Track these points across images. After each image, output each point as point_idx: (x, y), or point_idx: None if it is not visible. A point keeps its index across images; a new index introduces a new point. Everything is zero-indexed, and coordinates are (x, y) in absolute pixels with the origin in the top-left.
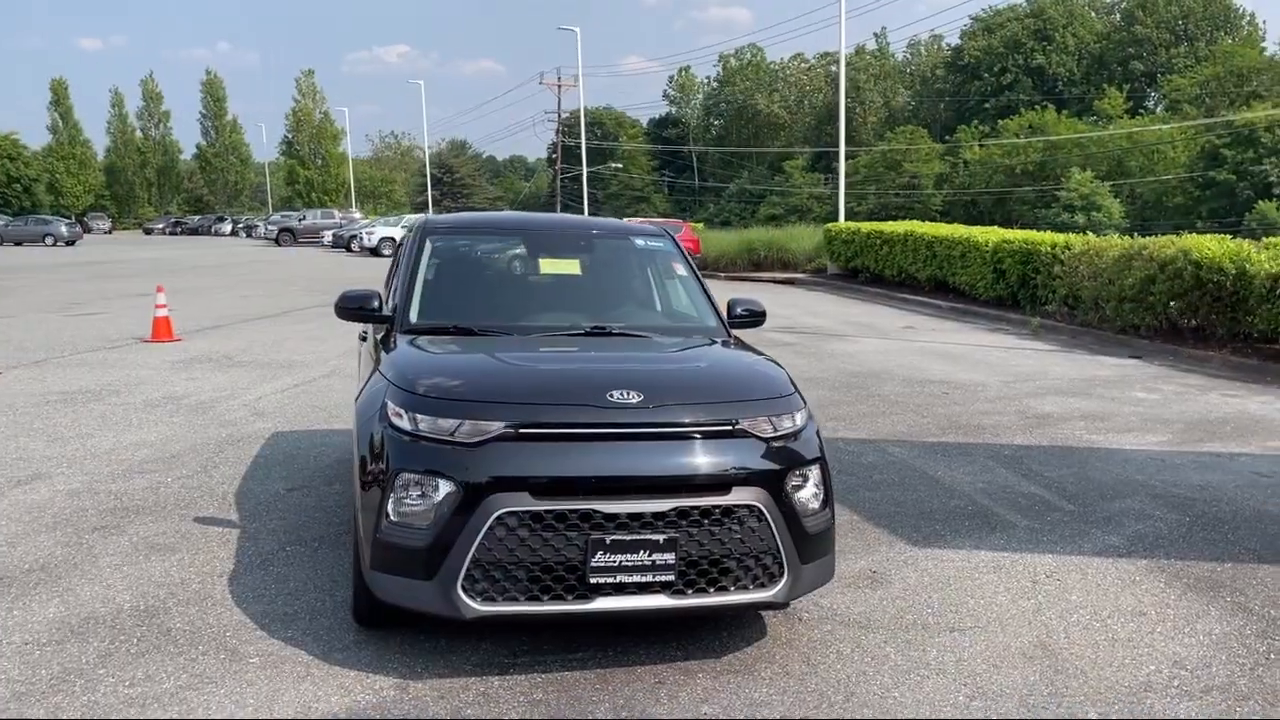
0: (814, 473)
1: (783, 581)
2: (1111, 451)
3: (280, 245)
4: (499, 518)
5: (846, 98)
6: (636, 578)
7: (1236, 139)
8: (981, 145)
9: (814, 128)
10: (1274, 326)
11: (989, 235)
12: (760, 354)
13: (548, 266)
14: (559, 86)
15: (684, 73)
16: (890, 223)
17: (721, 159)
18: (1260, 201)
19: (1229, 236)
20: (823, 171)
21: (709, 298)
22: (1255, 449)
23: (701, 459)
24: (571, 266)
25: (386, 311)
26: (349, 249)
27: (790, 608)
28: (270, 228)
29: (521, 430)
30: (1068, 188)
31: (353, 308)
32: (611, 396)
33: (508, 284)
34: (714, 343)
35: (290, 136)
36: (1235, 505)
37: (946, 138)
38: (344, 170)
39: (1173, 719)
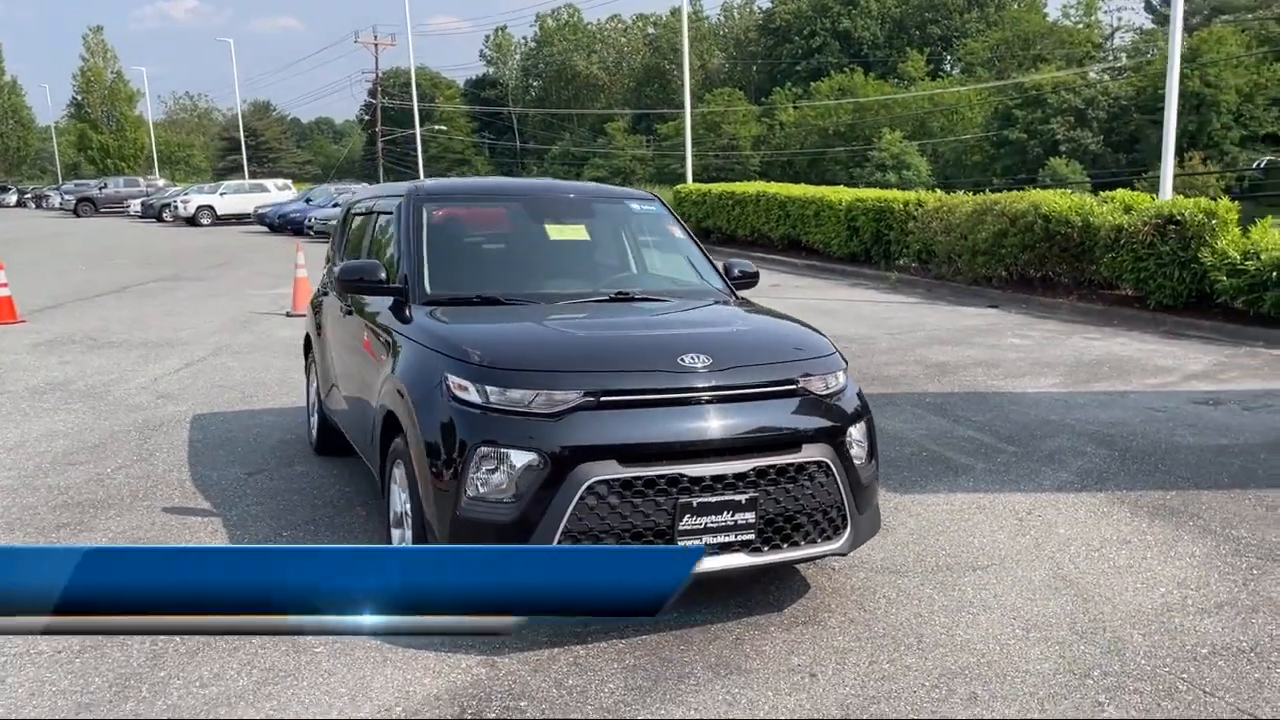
0: (863, 426)
1: (847, 533)
2: (1017, 395)
3: (80, 216)
4: (589, 486)
5: (664, 60)
6: (720, 538)
7: (1026, 100)
8: (796, 107)
9: (633, 90)
10: (1116, 274)
11: (842, 195)
12: (786, 316)
13: (555, 233)
14: (376, 45)
15: (501, 32)
16: (742, 184)
17: (543, 121)
18: (1050, 158)
19: (1068, 190)
20: (644, 133)
21: (709, 259)
22: (1139, 386)
23: (775, 418)
24: (579, 232)
25: (397, 283)
26: (160, 219)
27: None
28: (67, 197)
29: (603, 398)
30: (879, 148)
31: (354, 279)
32: (683, 361)
33: (518, 251)
34: (731, 304)
35: (80, 98)
36: (1150, 439)
37: (762, 100)
38: (141, 134)
39: (1204, 634)
